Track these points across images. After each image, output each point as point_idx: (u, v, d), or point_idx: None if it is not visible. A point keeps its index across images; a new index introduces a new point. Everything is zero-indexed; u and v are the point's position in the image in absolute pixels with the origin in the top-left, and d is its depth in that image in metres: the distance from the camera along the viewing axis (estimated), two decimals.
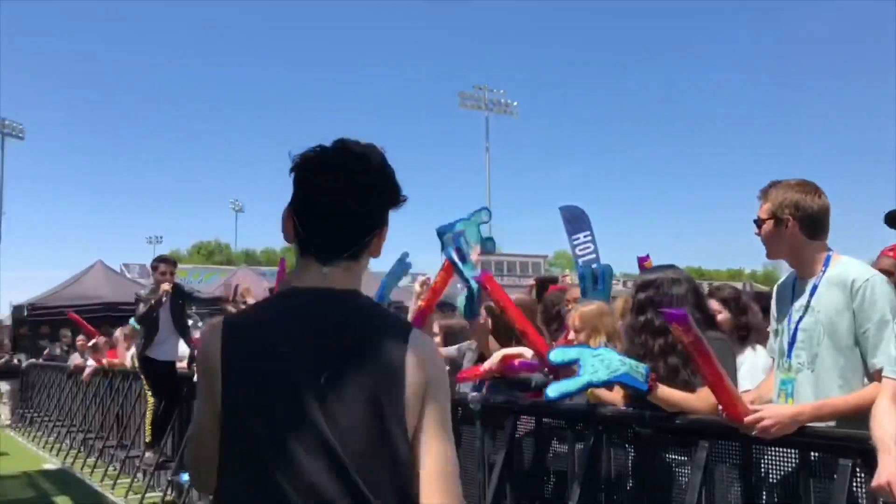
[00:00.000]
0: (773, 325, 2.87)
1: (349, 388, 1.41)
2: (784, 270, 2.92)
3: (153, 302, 7.18)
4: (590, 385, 2.77)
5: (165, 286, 7.18)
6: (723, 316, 3.71)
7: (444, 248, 4.21)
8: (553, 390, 2.82)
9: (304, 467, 1.38)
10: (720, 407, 2.47)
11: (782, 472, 2.52)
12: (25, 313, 19.00)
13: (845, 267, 2.59)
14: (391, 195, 1.62)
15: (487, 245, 4.55)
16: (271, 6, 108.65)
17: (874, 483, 2.01)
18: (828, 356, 2.53)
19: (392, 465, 1.40)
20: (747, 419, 2.36)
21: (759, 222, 2.72)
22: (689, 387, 2.89)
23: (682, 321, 2.35)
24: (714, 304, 3.69)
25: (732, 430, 2.51)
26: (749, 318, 3.88)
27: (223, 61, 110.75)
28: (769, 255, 2.78)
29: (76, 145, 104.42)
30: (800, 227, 2.63)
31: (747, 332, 3.76)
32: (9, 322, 22.27)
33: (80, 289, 19.19)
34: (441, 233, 4.20)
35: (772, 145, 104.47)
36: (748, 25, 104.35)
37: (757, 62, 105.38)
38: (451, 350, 4.68)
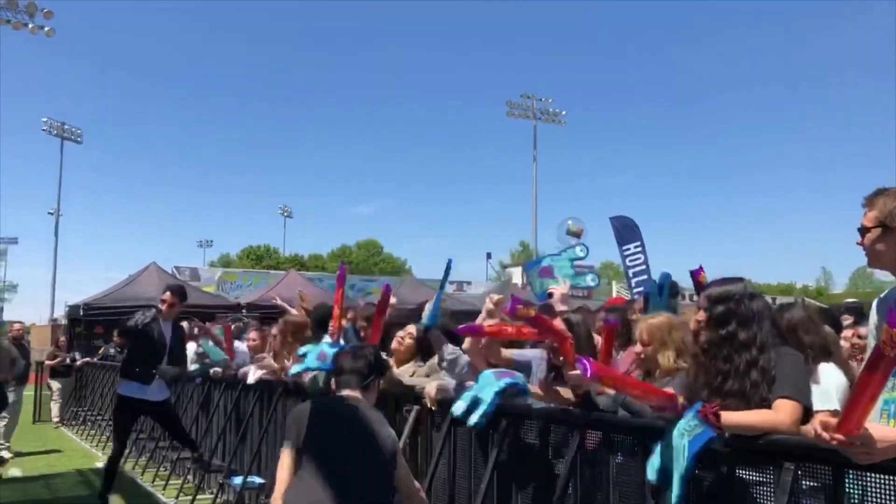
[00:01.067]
0: (870, 340, 2.70)
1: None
2: (837, 285, 2.75)
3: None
4: (685, 480, 2.67)
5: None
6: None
7: (530, 282, 4.23)
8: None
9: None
10: (815, 423, 2.27)
11: (877, 501, 2.35)
12: (81, 313, 19.42)
13: None
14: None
15: (578, 281, 4.57)
16: (323, 14, 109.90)
17: None
18: None
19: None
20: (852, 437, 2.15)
21: (863, 230, 2.59)
22: (765, 403, 2.75)
23: None
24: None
25: (820, 452, 2.35)
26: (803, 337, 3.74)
27: (274, 68, 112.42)
28: (871, 265, 2.64)
29: (131, 150, 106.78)
30: None
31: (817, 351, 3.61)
32: (65, 321, 22.78)
33: (134, 290, 19.56)
34: (528, 268, 4.26)
35: (828, 157, 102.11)
36: (810, 36, 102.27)
37: (816, 72, 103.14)
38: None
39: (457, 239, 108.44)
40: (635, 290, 12.24)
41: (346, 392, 3.78)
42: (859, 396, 2.14)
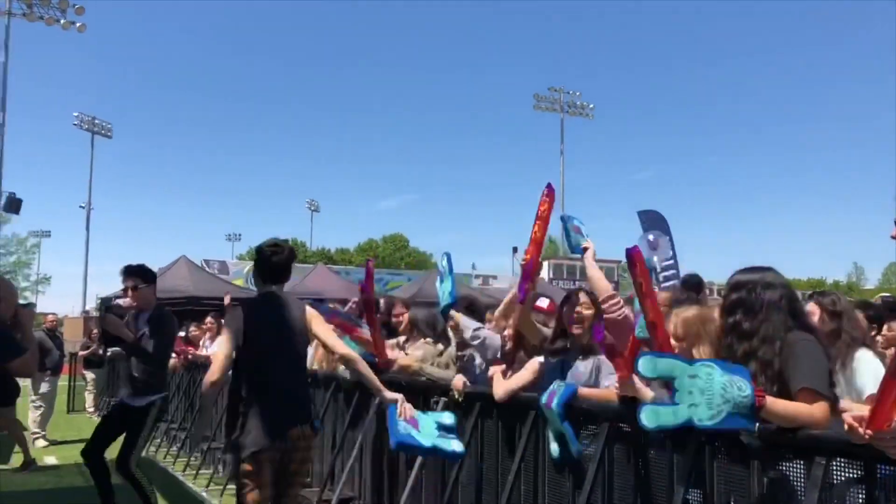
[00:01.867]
0: None
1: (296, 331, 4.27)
2: (869, 281, 2.71)
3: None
4: (690, 424, 2.52)
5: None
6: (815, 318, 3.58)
7: (567, 236, 4.26)
8: (649, 419, 2.55)
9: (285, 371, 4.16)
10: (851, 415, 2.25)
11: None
12: (111, 304, 19.67)
13: None
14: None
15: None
16: (350, 8, 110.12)
17: None
18: None
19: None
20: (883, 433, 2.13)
21: None
22: (780, 380, 2.74)
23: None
24: (811, 308, 3.57)
25: (854, 448, 2.34)
26: (844, 324, 3.74)
27: (302, 62, 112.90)
28: None
29: (160, 144, 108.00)
30: None
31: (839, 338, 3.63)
32: (96, 313, 23.09)
33: (165, 283, 19.76)
34: (564, 220, 4.27)
35: (860, 153, 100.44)
36: (843, 30, 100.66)
37: (851, 65, 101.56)
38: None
39: (483, 233, 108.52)
40: (663, 285, 12.20)
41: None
42: (888, 393, 2.13)
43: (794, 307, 2.95)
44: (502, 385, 4.15)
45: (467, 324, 4.81)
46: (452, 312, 4.78)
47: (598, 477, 3.45)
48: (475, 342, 4.75)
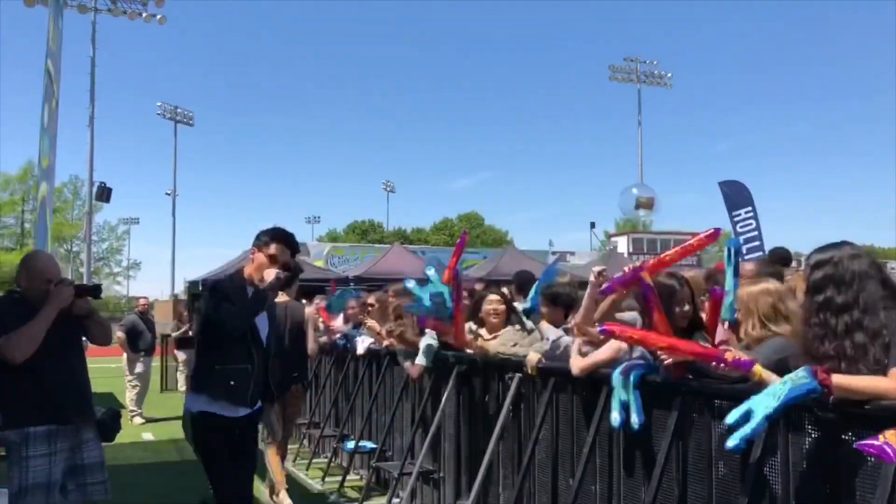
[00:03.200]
0: None
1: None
2: None
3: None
4: (767, 419, 2.61)
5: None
6: None
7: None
8: (734, 439, 2.63)
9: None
10: None
11: None
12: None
13: None
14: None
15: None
16: None
17: None
18: None
19: None
20: None
21: None
22: (879, 366, 2.70)
23: None
24: None
25: None
26: None
27: (376, 44, 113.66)
28: None
29: (240, 130, 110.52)
30: None
31: None
32: (185, 296, 24.03)
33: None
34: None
35: None
36: None
37: None
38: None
39: (559, 208, 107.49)
40: (747, 256, 11.92)
41: None
42: None
43: (882, 276, 2.91)
44: (579, 362, 4.19)
45: (547, 332, 4.82)
46: (540, 324, 4.79)
47: (672, 451, 3.47)
48: (558, 351, 4.64)
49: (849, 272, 2.85)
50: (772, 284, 3.57)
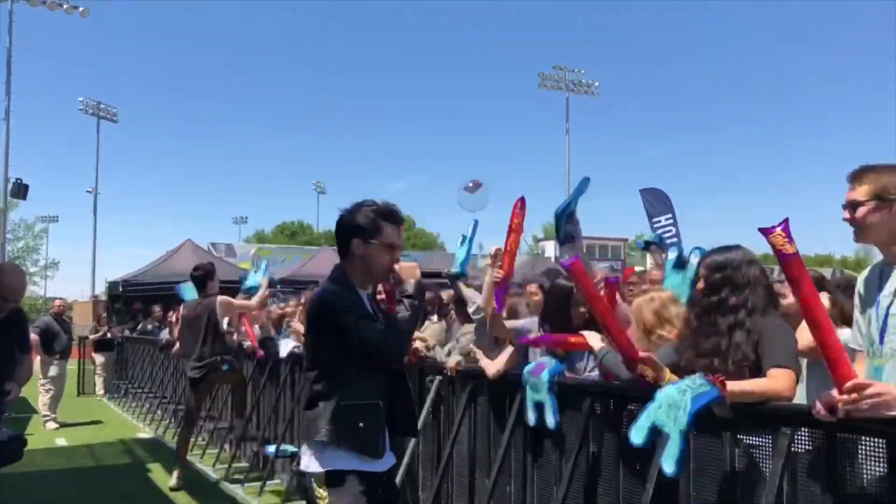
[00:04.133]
0: (857, 314, 2.82)
1: None
2: (878, 257, 2.83)
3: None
4: (684, 435, 2.71)
5: None
6: (788, 301, 3.67)
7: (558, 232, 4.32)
8: (668, 466, 2.70)
9: None
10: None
11: (868, 463, 2.45)
12: (120, 289, 19.93)
13: None
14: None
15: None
16: None
17: None
18: None
19: None
20: (849, 385, 2.24)
21: (853, 205, 2.65)
22: (747, 362, 2.91)
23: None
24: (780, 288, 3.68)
25: (814, 417, 2.47)
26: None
27: (308, 42, 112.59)
28: (861, 239, 2.69)
29: (166, 128, 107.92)
30: None
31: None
32: (105, 297, 23.38)
33: (171, 266, 20.01)
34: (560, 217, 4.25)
35: (867, 128, 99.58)
36: (848, 12, 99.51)
37: (857, 44, 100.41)
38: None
39: (490, 213, 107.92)
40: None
41: None
42: (830, 342, 2.33)
43: (768, 281, 3.18)
44: (492, 366, 4.29)
45: (472, 297, 4.88)
46: (460, 284, 4.80)
47: (583, 451, 3.58)
48: (476, 316, 4.78)
49: (745, 276, 3.06)
50: (657, 293, 3.74)
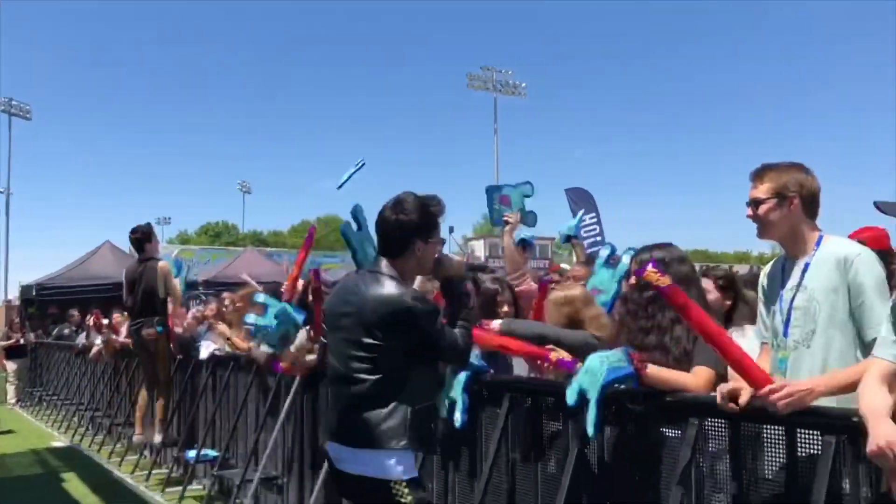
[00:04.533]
0: (761, 307, 2.93)
1: None
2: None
3: None
4: (599, 402, 2.79)
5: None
6: (713, 296, 3.77)
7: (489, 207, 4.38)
8: (588, 426, 2.81)
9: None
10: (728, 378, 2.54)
11: (770, 450, 2.55)
12: (34, 293, 19.15)
13: (836, 245, 2.69)
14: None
15: (528, 218, 4.75)
16: None
17: (870, 448, 2.03)
18: (823, 332, 2.61)
19: None
20: (772, 386, 2.35)
21: (756, 202, 2.76)
22: (687, 357, 2.98)
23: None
24: (706, 284, 3.77)
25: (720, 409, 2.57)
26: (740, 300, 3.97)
27: (230, 42, 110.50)
28: (763, 236, 2.81)
29: (84, 126, 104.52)
30: (802, 206, 2.71)
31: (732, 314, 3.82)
32: (18, 302, 22.46)
33: (88, 269, 19.33)
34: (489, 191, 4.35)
35: (776, 128, 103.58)
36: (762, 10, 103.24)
37: (770, 45, 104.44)
38: None
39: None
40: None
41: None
42: (734, 356, 2.47)
43: (699, 280, 3.30)
44: None
45: None
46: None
47: (502, 447, 3.61)
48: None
49: (680, 274, 3.11)
50: (572, 291, 3.81)
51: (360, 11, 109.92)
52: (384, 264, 3.03)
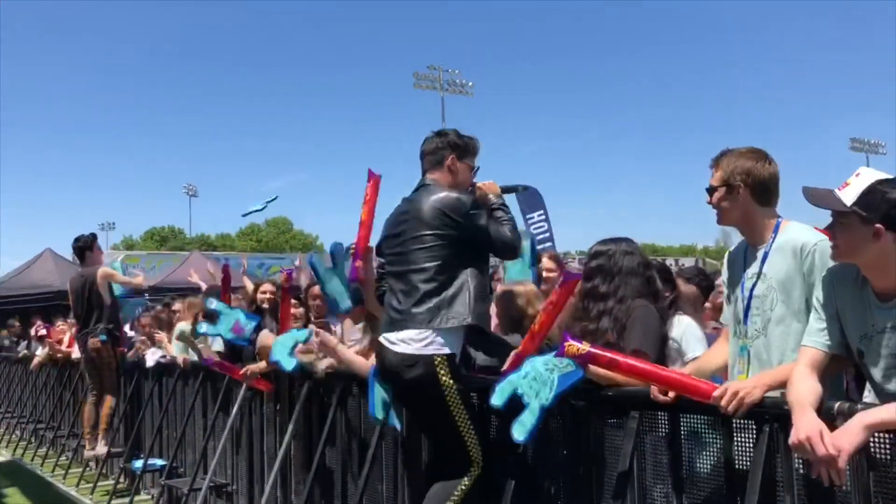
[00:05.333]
0: (725, 291, 2.92)
1: None
2: (736, 243, 2.96)
3: None
4: (544, 410, 2.79)
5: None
6: (686, 289, 3.89)
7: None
8: (520, 433, 2.79)
9: None
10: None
11: (707, 439, 2.62)
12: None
13: (795, 232, 2.66)
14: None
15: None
16: None
17: (791, 440, 2.10)
18: (781, 321, 2.61)
19: None
20: (716, 393, 2.38)
21: (711, 190, 2.77)
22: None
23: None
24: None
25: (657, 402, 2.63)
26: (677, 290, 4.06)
27: (175, 37, 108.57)
28: (720, 222, 2.83)
29: (24, 127, 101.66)
30: (751, 193, 2.69)
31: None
32: None
33: (29, 278, 18.83)
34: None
35: (726, 119, 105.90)
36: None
37: (716, 32, 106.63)
38: None
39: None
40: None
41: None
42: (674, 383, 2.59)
43: (649, 275, 3.31)
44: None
45: (351, 332, 4.89)
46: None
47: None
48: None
49: (617, 266, 3.21)
50: (518, 287, 3.87)
51: (308, 11, 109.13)
52: (428, 178, 3.51)
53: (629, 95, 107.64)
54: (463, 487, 3.24)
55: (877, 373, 2.29)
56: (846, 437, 1.99)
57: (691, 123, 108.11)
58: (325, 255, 4.58)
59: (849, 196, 2.24)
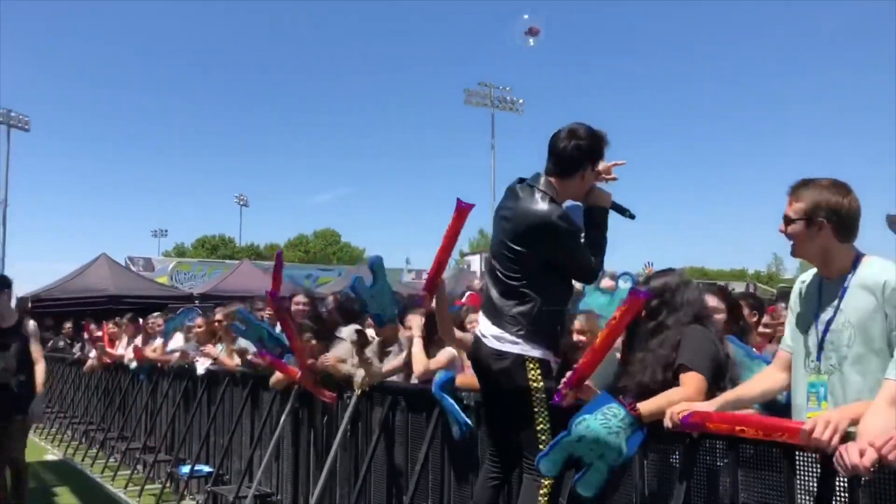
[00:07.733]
0: (790, 317, 2.81)
1: None
2: (788, 271, 2.86)
3: None
4: (613, 469, 2.74)
5: None
6: (721, 316, 3.77)
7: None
8: (586, 490, 2.75)
9: None
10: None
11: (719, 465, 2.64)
12: (29, 305, 19.08)
13: (877, 268, 2.54)
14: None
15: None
16: (274, 2, 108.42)
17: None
18: (860, 359, 2.49)
19: None
20: (806, 427, 2.24)
21: (788, 220, 2.65)
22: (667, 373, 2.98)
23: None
24: (714, 302, 3.77)
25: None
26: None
27: (231, 53, 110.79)
28: (795, 254, 2.72)
29: (82, 138, 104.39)
30: (833, 230, 2.56)
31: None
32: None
33: (84, 282, 19.30)
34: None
35: (776, 144, 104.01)
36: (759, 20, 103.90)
37: (770, 56, 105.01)
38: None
39: (416, 227, 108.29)
40: None
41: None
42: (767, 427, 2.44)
43: (703, 301, 3.27)
44: (423, 361, 4.29)
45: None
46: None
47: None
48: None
49: (679, 299, 3.16)
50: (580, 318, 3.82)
51: (360, 27, 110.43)
52: (543, 181, 3.28)
53: (677, 118, 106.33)
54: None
55: None
56: None
57: (746, 144, 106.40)
58: (365, 267, 4.50)
59: None
